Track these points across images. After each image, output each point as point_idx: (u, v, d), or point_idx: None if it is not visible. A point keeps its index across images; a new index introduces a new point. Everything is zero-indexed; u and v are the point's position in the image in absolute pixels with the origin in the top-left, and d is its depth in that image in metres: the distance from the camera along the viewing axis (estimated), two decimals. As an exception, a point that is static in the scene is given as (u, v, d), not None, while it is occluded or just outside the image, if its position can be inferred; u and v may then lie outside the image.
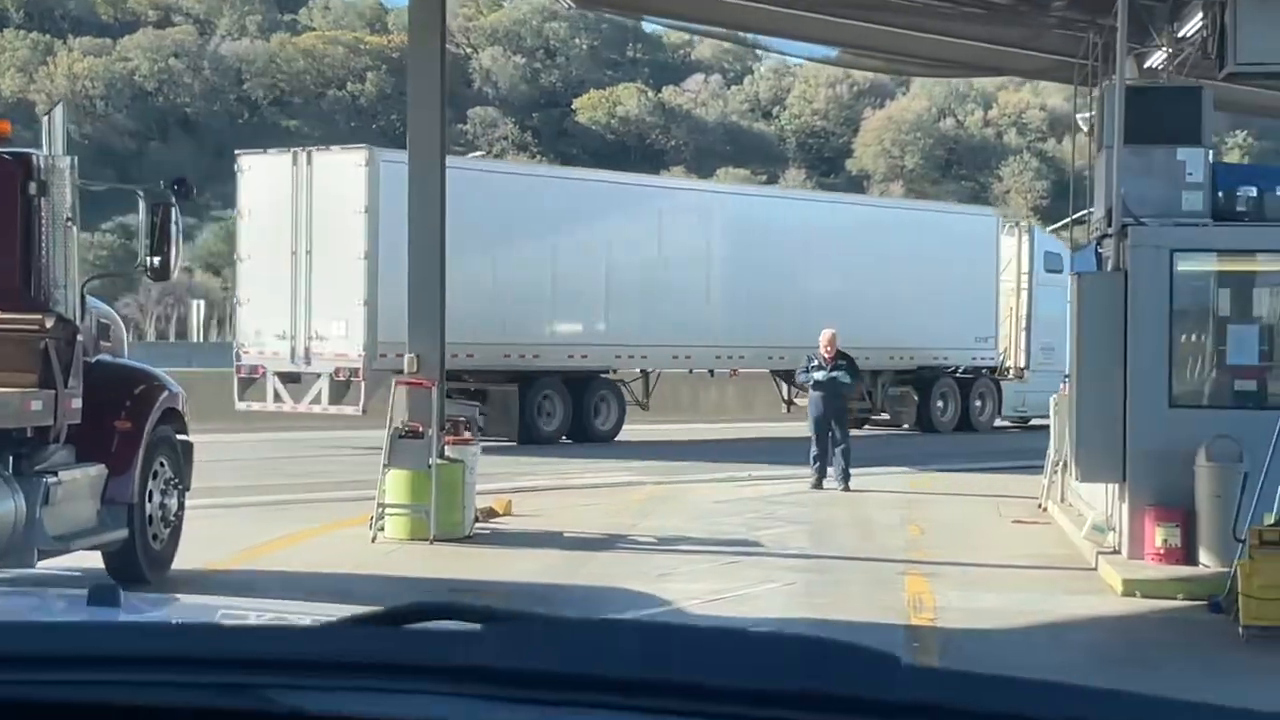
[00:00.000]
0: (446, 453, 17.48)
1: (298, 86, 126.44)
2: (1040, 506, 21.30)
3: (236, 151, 33.35)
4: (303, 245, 29.25)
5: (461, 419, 18.08)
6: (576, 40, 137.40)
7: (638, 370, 34.60)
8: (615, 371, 33.87)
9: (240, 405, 30.67)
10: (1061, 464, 20.87)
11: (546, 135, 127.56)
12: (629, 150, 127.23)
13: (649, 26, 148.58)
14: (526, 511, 19.93)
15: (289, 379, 29.87)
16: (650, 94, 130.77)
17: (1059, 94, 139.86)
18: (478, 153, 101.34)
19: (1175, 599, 14.51)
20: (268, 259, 29.78)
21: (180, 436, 14.90)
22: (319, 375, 29.91)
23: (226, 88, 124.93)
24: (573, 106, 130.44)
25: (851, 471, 23.87)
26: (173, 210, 14.20)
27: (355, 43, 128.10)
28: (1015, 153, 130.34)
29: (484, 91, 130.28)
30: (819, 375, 23.91)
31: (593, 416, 32.85)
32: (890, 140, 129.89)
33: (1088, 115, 29.76)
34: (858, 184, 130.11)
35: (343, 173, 29.27)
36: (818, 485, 23.73)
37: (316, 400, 30.04)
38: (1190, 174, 16.84)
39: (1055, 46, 24.13)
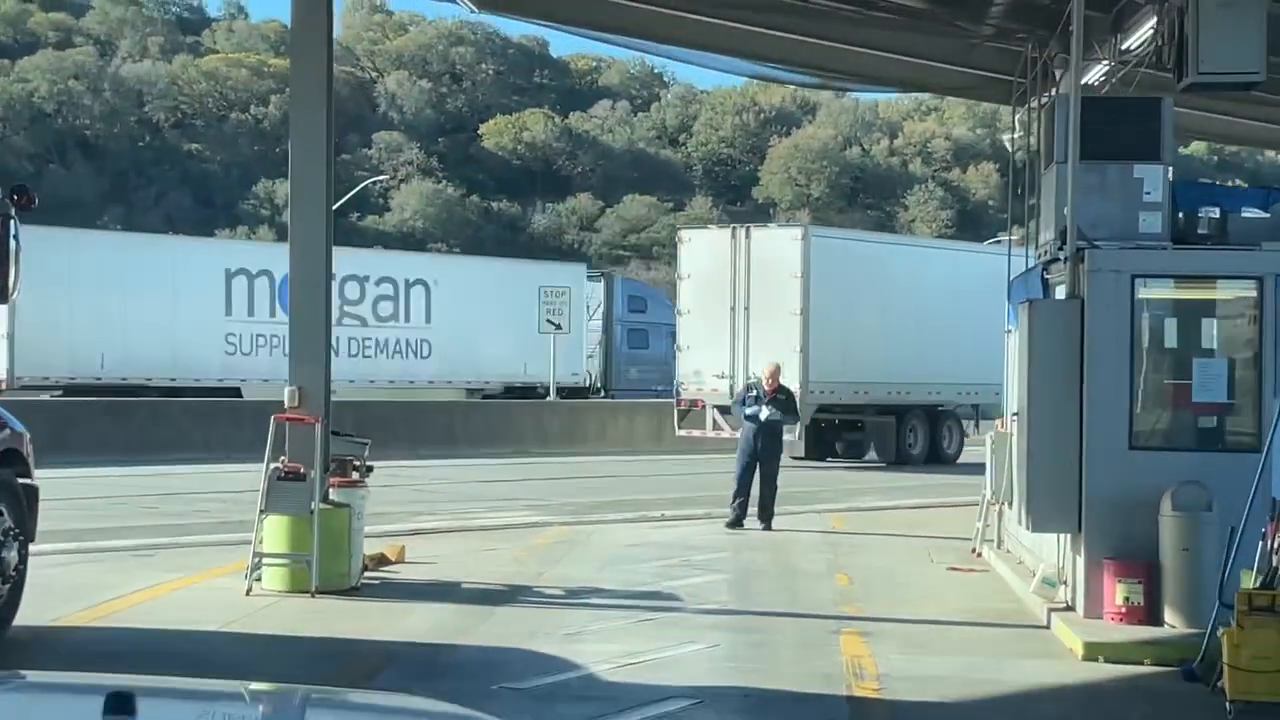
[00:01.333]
0: (331, 496, 15.64)
1: (200, 109, 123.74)
2: (974, 551, 19.70)
3: (677, 227, 47.29)
4: (740, 302, 35.05)
5: (348, 458, 16.23)
6: (483, 65, 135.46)
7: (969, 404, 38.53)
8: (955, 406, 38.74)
9: (680, 433, 36.81)
10: (999, 506, 19.29)
11: (452, 160, 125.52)
12: (535, 176, 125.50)
13: (556, 52, 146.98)
14: (421, 557, 18.09)
15: (725, 411, 33.97)
16: (557, 120, 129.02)
17: (964, 123, 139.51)
18: (382, 177, 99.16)
19: (1143, 664, 12.92)
20: (706, 313, 35.74)
21: (23, 480, 12.98)
22: None
23: (127, 110, 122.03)
24: (479, 132, 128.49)
25: (775, 511, 22.24)
26: (11, 222, 12.26)
27: (259, 65, 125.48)
28: (920, 181, 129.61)
29: (389, 116, 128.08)
30: (756, 409, 22.21)
31: (942, 442, 38.17)
32: (796, 169, 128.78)
33: (1013, 136, 28.39)
34: (765, 211, 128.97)
35: (779, 245, 35.18)
36: (736, 525, 22.03)
37: None
38: (1148, 193, 15.34)
39: (987, 62, 22.60)
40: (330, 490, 15.64)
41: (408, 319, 42.99)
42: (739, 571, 18.08)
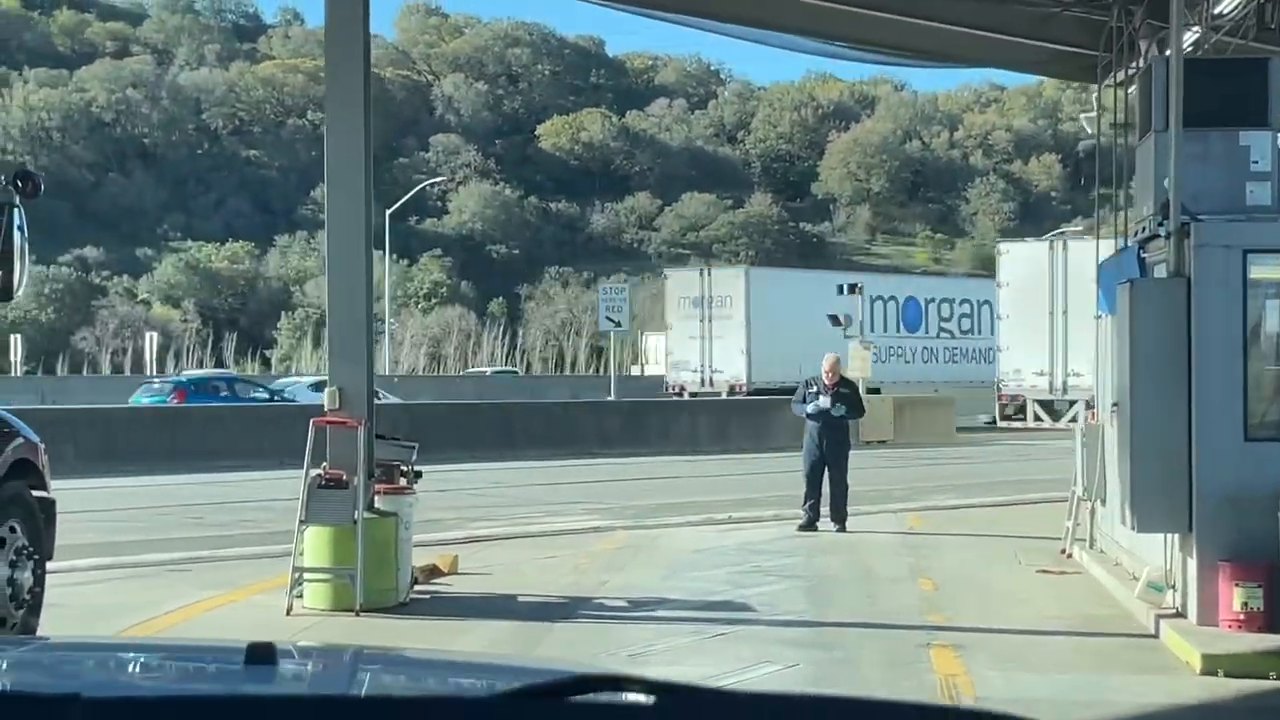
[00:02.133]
0: (376, 504, 14.48)
1: (257, 116, 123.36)
2: (1064, 552, 18.38)
3: (998, 241, 52.83)
4: (1058, 307, 39.28)
5: (395, 463, 15.07)
6: (539, 66, 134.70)
7: None
8: None
9: (1001, 423, 41.37)
10: (1091, 504, 17.96)
11: (510, 162, 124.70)
12: (593, 176, 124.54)
13: (612, 51, 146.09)
14: (476, 567, 16.92)
15: (1046, 405, 39.87)
16: (614, 119, 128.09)
17: (1025, 115, 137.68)
18: (439, 179, 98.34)
19: (1268, 677, 11.60)
20: (1025, 317, 40.14)
21: (38, 494, 11.88)
22: (1073, 402, 39.35)
23: (185, 118, 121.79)
24: (536, 133, 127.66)
25: (848, 511, 21.00)
26: (15, 212, 11.13)
27: (315, 71, 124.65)
28: (982, 174, 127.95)
29: (446, 119, 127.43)
30: (818, 404, 20.95)
31: None
32: (856, 163, 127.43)
33: (1096, 113, 27.07)
34: (824, 208, 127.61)
35: (1089, 253, 39.27)
36: (809, 528, 20.77)
37: (1073, 420, 35.67)
38: (1256, 161, 14.02)
39: (1066, 36, 21.30)
40: (375, 498, 14.48)
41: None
42: (814, 577, 16.82)
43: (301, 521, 14.13)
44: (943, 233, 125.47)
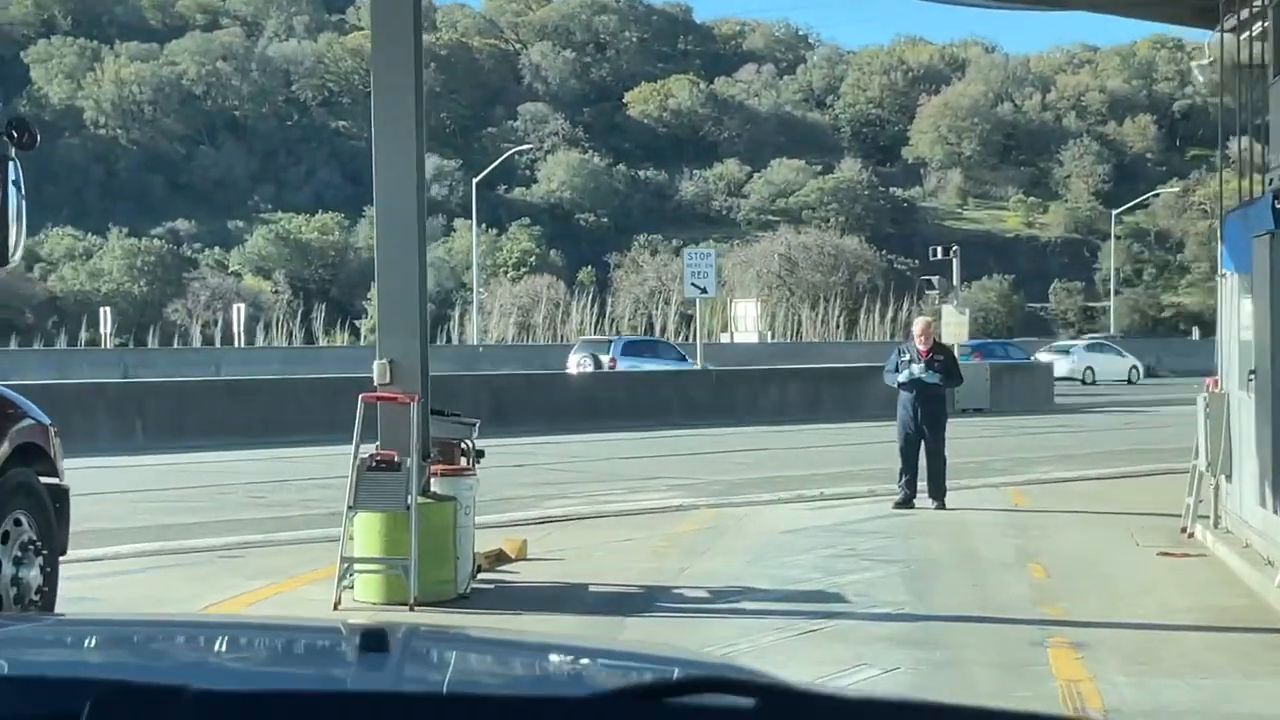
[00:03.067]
0: (433, 488, 13.12)
1: (346, 87, 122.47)
2: (1185, 532, 16.78)
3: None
4: None
5: (454, 441, 13.69)
6: (626, 33, 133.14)
7: None
8: None
9: None
10: (1215, 480, 16.35)
11: (598, 130, 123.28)
12: (681, 143, 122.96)
13: (700, 17, 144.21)
14: (546, 552, 15.54)
15: None
16: (702, 85, 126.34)
17: (1118, 75, 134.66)
18: (525, 147, 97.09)
19: None
20: None
21: (47, 481, 10.58)
22: None
23: (274, 89, 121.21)
24: (624, 100, 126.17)
25: (947, 487, 19.47)
26: (10, 166, 9.76)
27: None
28: (1075, 136, 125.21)
29: (534, 87, 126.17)
30: (911, 373, 19.41)
31: None
32: (947, 127, 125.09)
33: (1203, 64, 25.38)
34: (914, 172, 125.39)
35: None
36: (905, 505, 19.26)
37: None
38: None
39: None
40: (431, 481, 13.11)
41: None
42: (913, 562, 15.31)
43: (349, 507, 12.79)
44: (1035, 196, 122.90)
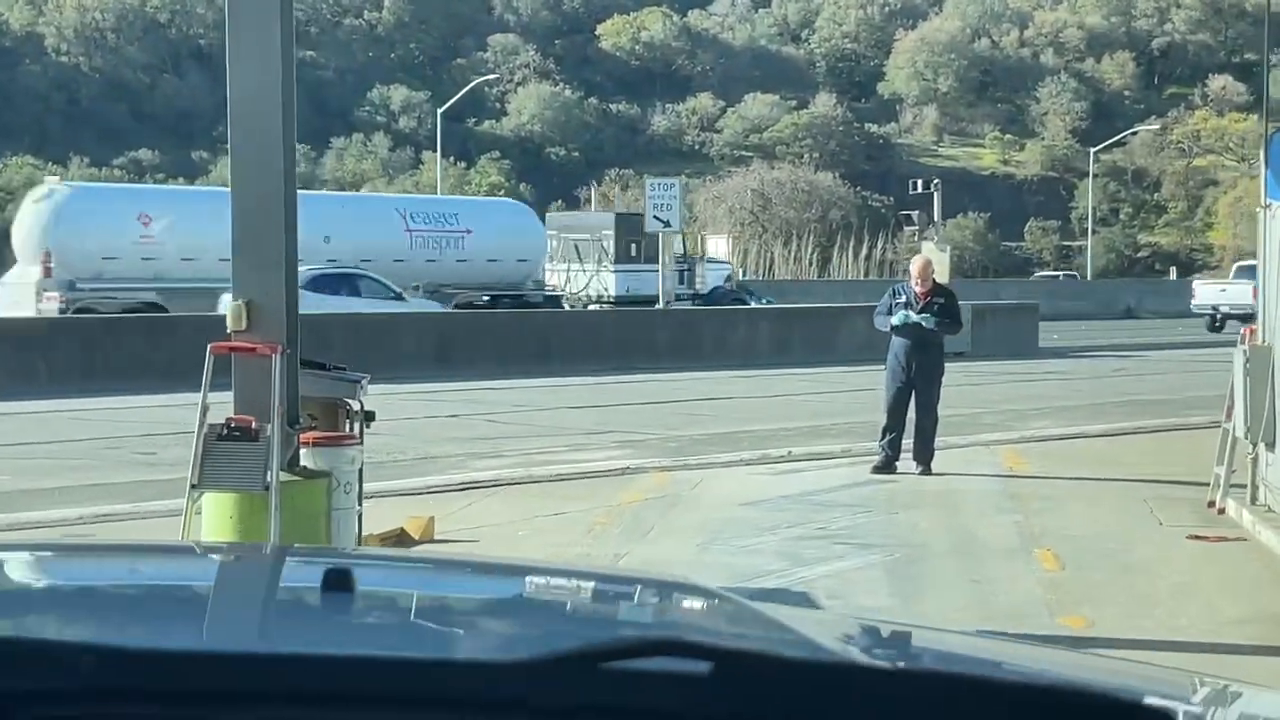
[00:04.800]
0: (302, 461, 10.38)
1: (313, 16, 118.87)
2: (1214, 506, 14.13)
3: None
4: None
5: (336, 401, 10.96)
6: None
7: None
8: None
9: None
10: (1254, 448, 13.69)
11: (569, 63, 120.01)
12: (654, 77, 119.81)
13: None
14: (459, 531, 12.85)
15: None
16: (675, 18, 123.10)
17: (1097, 11, 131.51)
18: (491, 77, 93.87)
19: None
20: None
21: None
22: None
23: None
24: (596, 32, 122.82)
25: (934, 448, 16.80)
26: None
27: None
28: (1053, 73, 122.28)
29: (505, 19, 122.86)
30: (905, 315, 16.68)
31: None
32: (923, 63, 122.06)
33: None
34: (890, 108, 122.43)
35: None
36: (886, 469, 16.59)
37: None
38: None
39: None
40: (301, 452, 10.37)
41: None
42: (897, 547, 12.61)
43: (193, 485, 10.05)
44: (1012, 133, 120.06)
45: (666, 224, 34.08)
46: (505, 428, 21.08)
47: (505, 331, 31.52)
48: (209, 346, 10.31)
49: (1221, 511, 13.99)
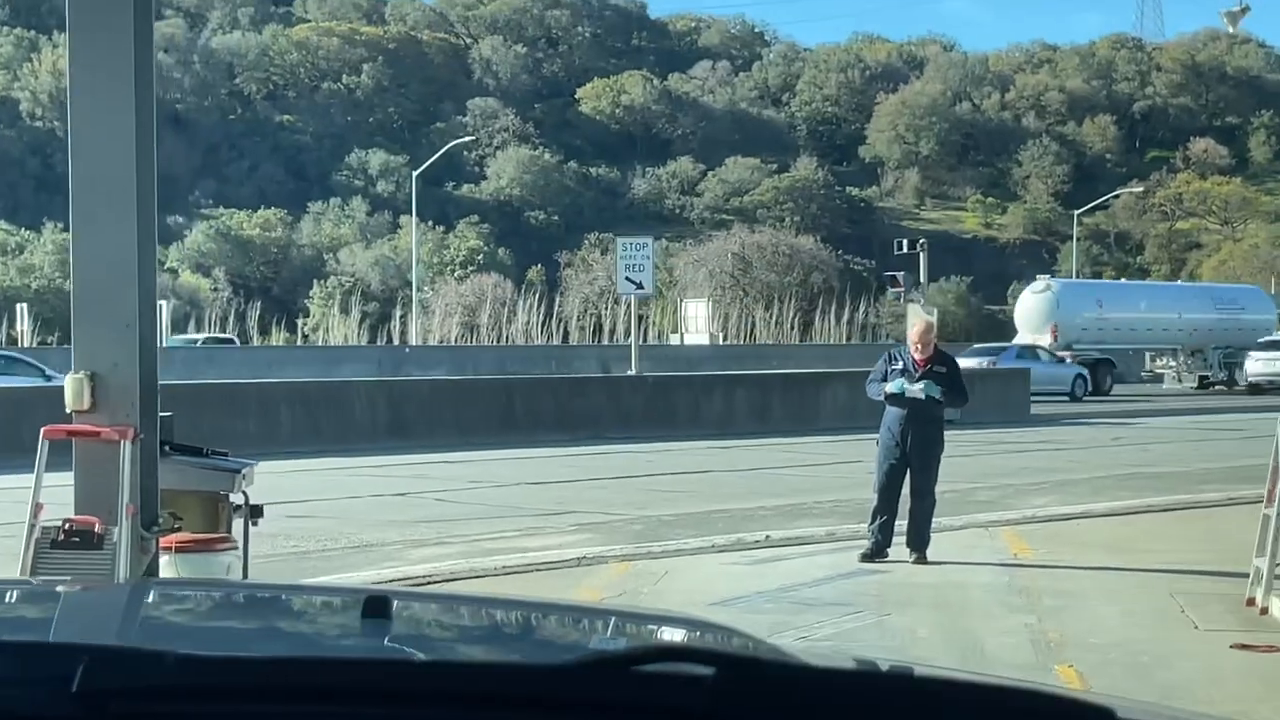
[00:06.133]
0: (164, 571, 8.36)
1: (292, 80, 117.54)
2: (1254, 604, 12.14)
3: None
4: None
5: (217, 494, 8.94)
6: (579, 28, 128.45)
7: None
8: None
9: None
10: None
11: (549, 126, 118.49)
12: (634, 140, 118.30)
13: (654, 13, 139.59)
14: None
15: None
16: (655, 82, 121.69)
17: (1078, 75, 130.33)
18: (467, 139, 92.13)
19: None
20: None
21: None
22: None
23: (217, 82, 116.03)
24: (576, 96, 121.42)
25: (930, 534, 14.79)
26: None
27: (351, 34, 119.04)
28: (1034, 136, 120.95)
29: (484, 82, 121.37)
30: (902, 384, 14.70)
31: None
32: (904, 126, 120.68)
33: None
34: (871, 172, 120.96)
35: None
36: (876, 556, 14.60)
37: None
38: None
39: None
40: (160, 560, 8.35)
41: None
42: (891, 662, 10.58)
43: (20, 603, 8.00)
44: (994, 197, 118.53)
45: (639, 286, 32.08)
46: (456, 508, 19.01)
47: (466, 398, 29.48)
48: (41, 430, 8.29)
49: (1264, 612, 11.99)
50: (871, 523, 14.82)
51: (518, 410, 29.37)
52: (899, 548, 14.68)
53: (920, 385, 14.61)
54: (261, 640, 2.74)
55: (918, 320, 15.78)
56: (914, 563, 14.47)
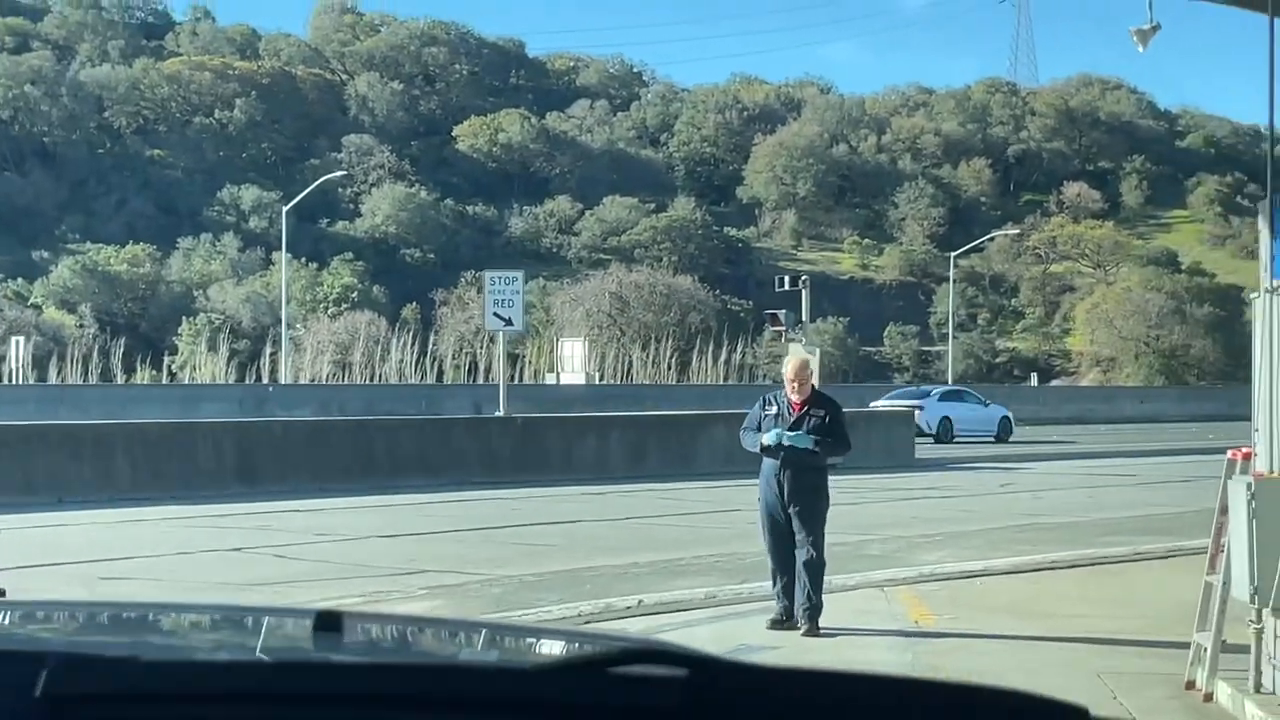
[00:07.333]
0: None
1: (163, 114, 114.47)
2: (1195, 688, 10.46)
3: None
4: None
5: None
6: (456, 66, 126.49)
7: None
8: None
9: None
10: (1259, 615, 10.03)
11: (426, 164, 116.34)
12: (511, 179, 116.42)
13: (532, 51, 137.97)
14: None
15: None
16: (533, 120, 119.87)
17: (953, 118, 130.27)
18: (337, 174, 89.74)
19: None
20: None
21: None
22: None
23: (86, 115, 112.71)
24: (453, 134, 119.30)
25: (823, 599, 13.02)
26: None
27: (224, 68, 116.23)
28: (910, 179, 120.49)
29: (360, 119, 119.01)
30: (777, 434, 12.93)
31: None
32: (782, 167, 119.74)
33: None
34: (749, 212, 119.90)
35: None
36: (784, 621, 12.86)
37: None
38: None
39: None
40: None
41: None
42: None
43: None
44: (870, 238, 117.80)
45: (508, 322, 30.16)
46: (295, 566, 16.97)
47: (322, 441, 27.34)
48: None
49: (1209, 698, 10.33)
50: (773, 585, 13.06)
51: (378, 454, 27.31)
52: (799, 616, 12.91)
53: (794, 435, 12.85)
54: (216, 652, 2.69)
55: (792, 357, 13.99)
56: (804, 635, 12.69)
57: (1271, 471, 9.82)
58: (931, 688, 2.06)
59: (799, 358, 14.00)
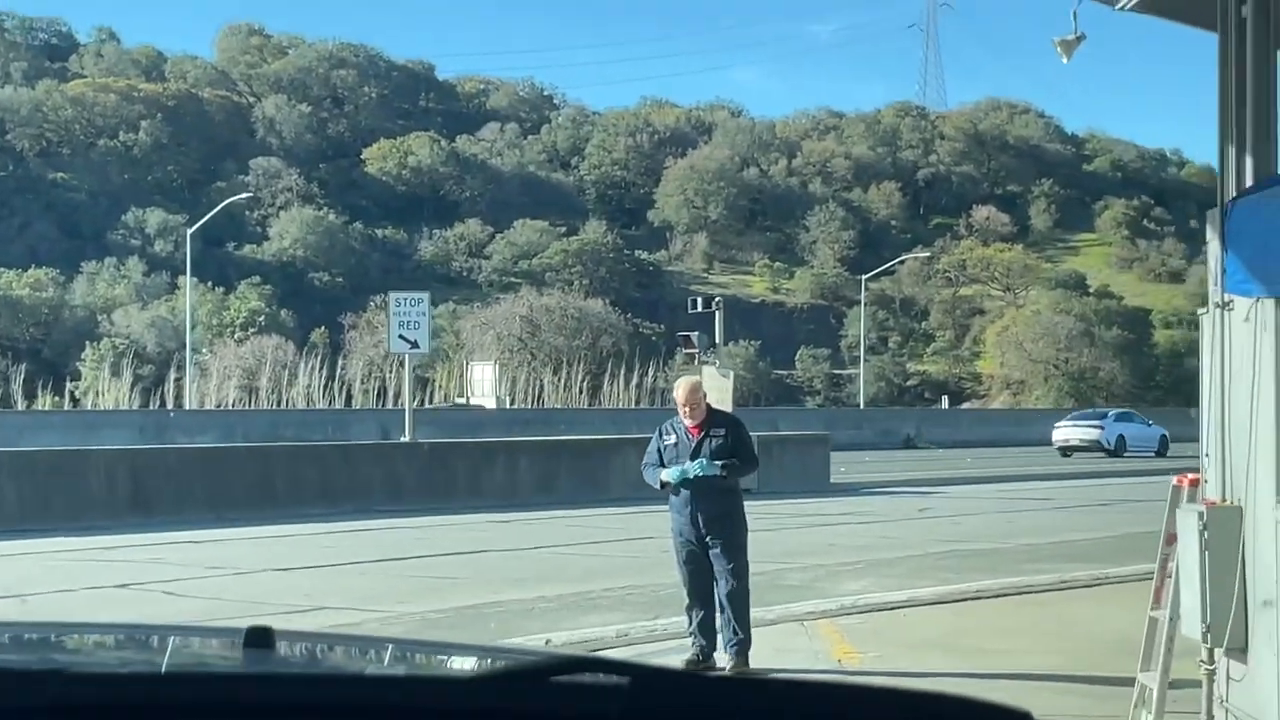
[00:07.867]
0: None
1: (66, 137, 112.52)
2: (1144, 729, 9.75)
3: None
4: None
5: None
6: (365, 88, 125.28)
7: None
8: None
9: None
10: (1210, 654, 9.31)
11: (334, 187, 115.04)
12: (421, 202, 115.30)
13: (442, 74, 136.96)
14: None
15: None
16: (443, 143, 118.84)
17: (863, 142, 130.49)
18: (243, 196, 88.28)
19: None
20: None
21: None
22: None
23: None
24: (362, 156, 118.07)
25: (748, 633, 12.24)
26: None
27: (129, 90, 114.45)
28: (821, 202, 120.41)
29: (267, 141, 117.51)
30: (683, 470, 12.12)
31: None
32: (693, 190, 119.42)
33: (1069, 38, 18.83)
34: (660, 235, 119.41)
35: None
36: (704, 661, 12.05)
37: None
38: None
39: None
40: None
41: None
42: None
43: None
44: (782, 261, 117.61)
45: (414, 345, 29.24)
46: (184, 604, 16.00)
47: (219, 469, 26.30)
48: None
49: (1160, 739, 9.60)
50: (689, 623, 12.26)
51: (278, 481, 26.30)
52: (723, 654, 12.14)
53: (696, 466, 12.08)
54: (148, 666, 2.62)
55: (682, 380, 13.20)
56: (731, 671, 11.89)
57: (1224, 499, 9.13)
58: (874, 694, 2.05)
59: (689, 380, 13.17)
